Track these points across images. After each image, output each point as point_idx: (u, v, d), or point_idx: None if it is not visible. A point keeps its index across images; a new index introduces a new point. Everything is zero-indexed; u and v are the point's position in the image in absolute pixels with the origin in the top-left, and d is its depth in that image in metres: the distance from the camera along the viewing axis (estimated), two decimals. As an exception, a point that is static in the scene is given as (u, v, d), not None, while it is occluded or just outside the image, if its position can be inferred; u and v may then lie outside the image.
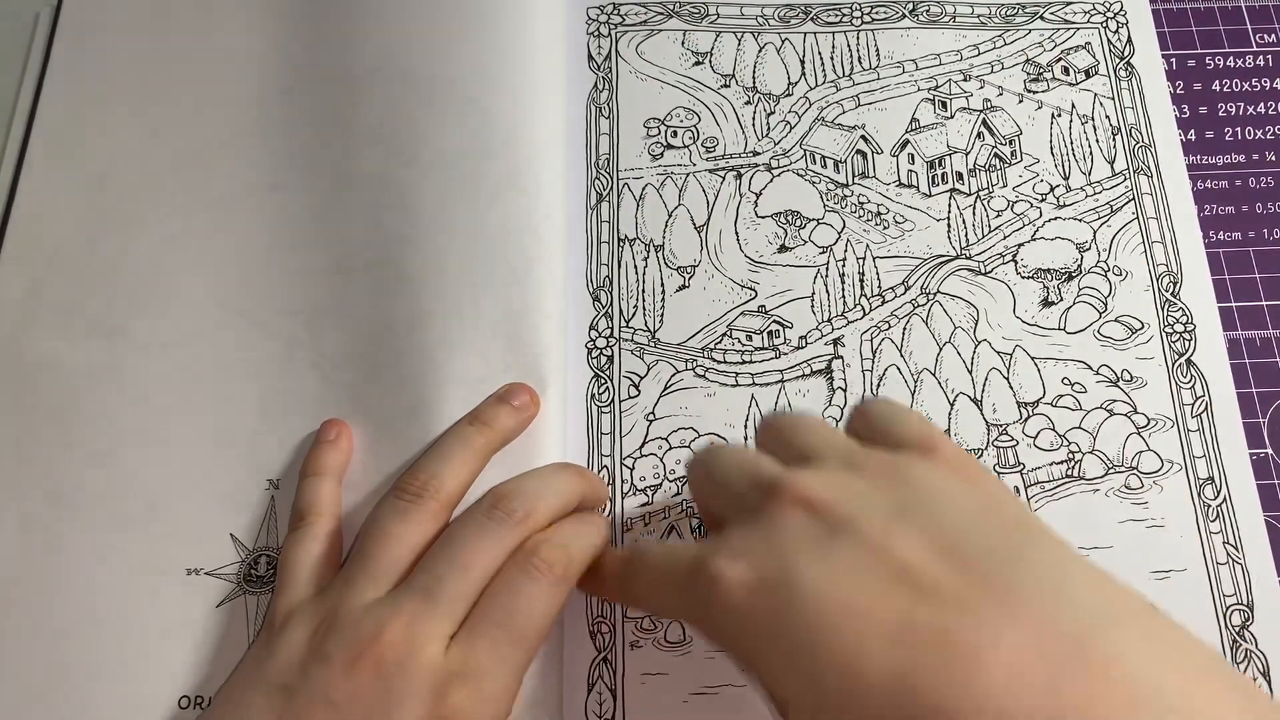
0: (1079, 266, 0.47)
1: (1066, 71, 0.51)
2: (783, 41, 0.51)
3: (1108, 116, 0.50)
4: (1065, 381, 0.45)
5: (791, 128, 0.50)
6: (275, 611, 0.39)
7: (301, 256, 0.47)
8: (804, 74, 0.51)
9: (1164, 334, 0.46)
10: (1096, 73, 0.51)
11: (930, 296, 0.47)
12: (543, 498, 0.40)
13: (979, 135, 0.50)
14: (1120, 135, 0.50)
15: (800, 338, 0.46)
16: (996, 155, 0.49)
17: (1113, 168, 0.49)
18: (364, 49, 0.49)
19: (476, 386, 0.43)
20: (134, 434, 0.44)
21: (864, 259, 0.48)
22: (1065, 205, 0.49)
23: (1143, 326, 0.46)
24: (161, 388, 0.45)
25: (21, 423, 0.44)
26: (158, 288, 0.47)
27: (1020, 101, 0.50)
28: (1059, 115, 0.50)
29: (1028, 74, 0.51)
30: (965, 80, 0.50)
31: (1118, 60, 0.51)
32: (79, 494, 0.43)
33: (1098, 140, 0.50)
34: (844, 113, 0.50)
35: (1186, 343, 0.46)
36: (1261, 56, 0.52)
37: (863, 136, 0.49)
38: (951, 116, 0.50)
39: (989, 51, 0.51)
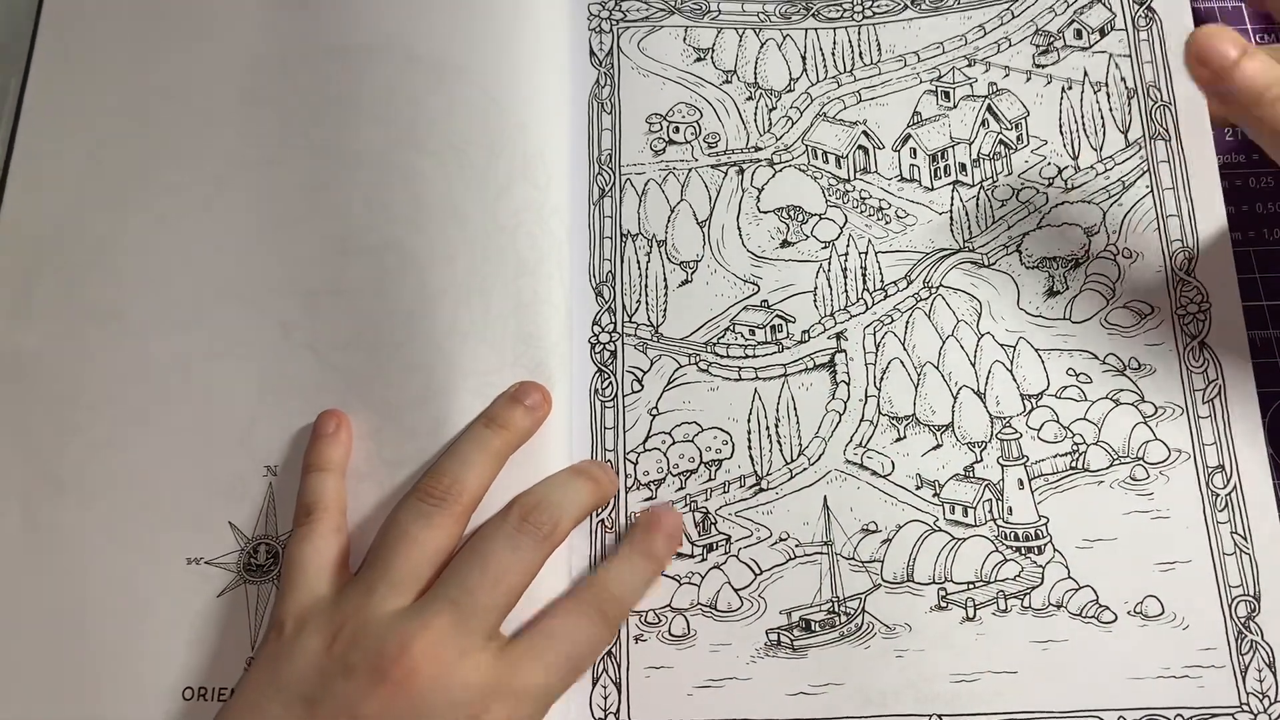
0: (1086, 252, 0.47)
1: (1079, 35, 0.50)
2: (784, 38, 0.51)
3: (1123, 78, 0.49)
4: (1070, 372, 0.45)
5: (794, 123, 0.50)
6: (284, 612, 0.38)
7: (295, 235, 0.46)
8: (805, 70, 0.51)
9: (1176, 316, 0.46)
10: (1112, 28, 0.50)
11: (933, 291, 0.47)
12: (567, 510, 0.41)
13: (983, 123, 0.49)
14: (1136, 98, 0.49)
15: (803, 332, 0.47)
16: (1002, 142, 0.49)
17: (1126, 137, 0.48)
18: (363, 25, 0.49)
19: (487, 377, 0.44)
20: (132, 420, 0.44)
21: (866, 254, 0.48)
22: (1074, 188, 0.48)
23: (1153, 310, 0.46)
24: (158, 372, 0.45)
25: (22, 410, 0.44)
26: (151, 269, 0.46)
27: (1028, 79, 0.50)
28: (1069, 88, 0.49)
29: (1036, 46, 0.50)
30: (969, 66, 0.50)
31: (1137, 6, 0.50)
32: (80, 482, 0.43)
33: (1111, 109, 0.49)
34: (845, 109, 0.50)
35: (1200, 324, 0.45)
36: (1261, 56, 0.52)
37: (864, 132, 0.49)
38: (954, 106, 0.50)
39: (995, 30, 0.51)
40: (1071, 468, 0.44)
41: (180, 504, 0.43)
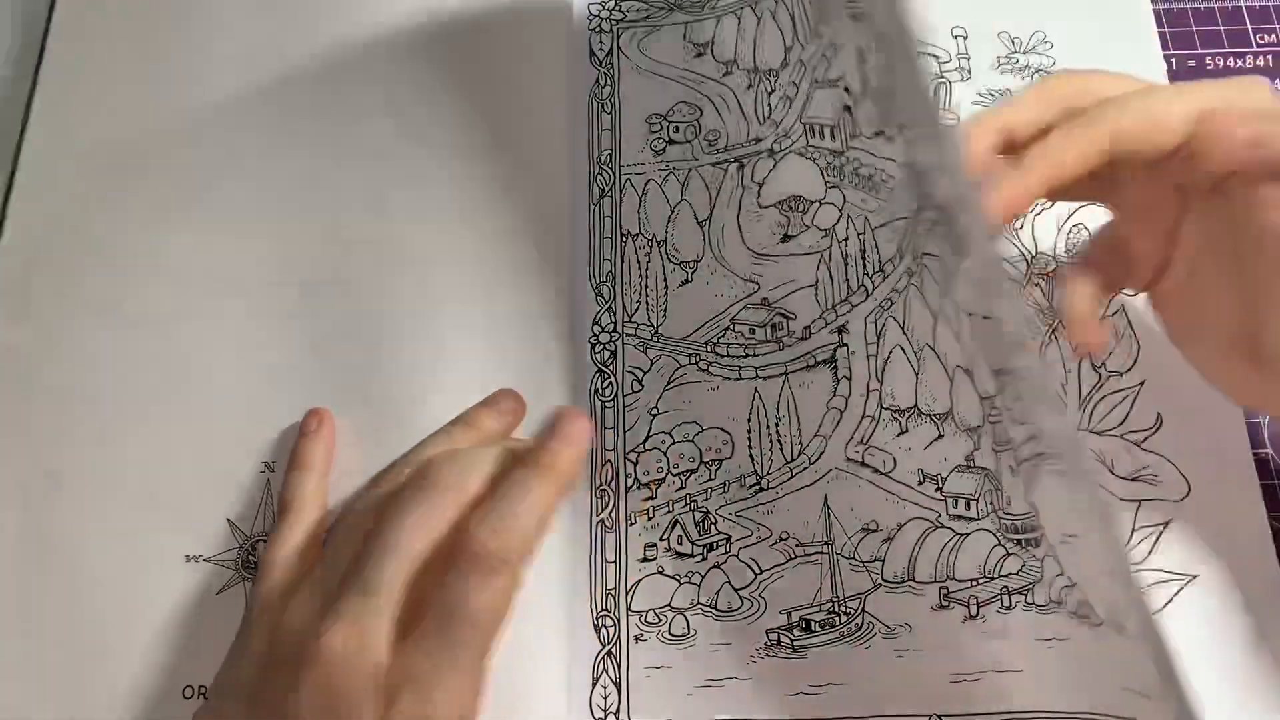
0: None
1: None
2: (777, 3, 0.50)
3: None
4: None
5: (791, 100, 0.49)
6: (251, 610, 0.39)
7: (294, 229, 0.46)
8: (796, 34, 0.49)
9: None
10: None
11: (919, 261, 0.44)
12: (476, 466, 0.37)
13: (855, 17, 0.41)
14: None
15: (804, 328, 0.46)
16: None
17: None
18: (365, 18, 0.49)
19: (487, 376, 0.44)
20: (130, 414, 0.44)
21: (864, 233, 0.46)
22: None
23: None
24: (156, 367, 0.45)
25: (20, 406, 0.44)
26: (149, 263, 0.46)
27: None
28: None
29: None
30: None
31: None
32: (79, 477, 0.43)
33: None
34: (829, 65, 0.47)
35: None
36: (1261, 56, 0.52)
37: (845, 88, 0.46)
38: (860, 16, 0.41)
39: None
40: None
41: (178, 501, 0.43)
